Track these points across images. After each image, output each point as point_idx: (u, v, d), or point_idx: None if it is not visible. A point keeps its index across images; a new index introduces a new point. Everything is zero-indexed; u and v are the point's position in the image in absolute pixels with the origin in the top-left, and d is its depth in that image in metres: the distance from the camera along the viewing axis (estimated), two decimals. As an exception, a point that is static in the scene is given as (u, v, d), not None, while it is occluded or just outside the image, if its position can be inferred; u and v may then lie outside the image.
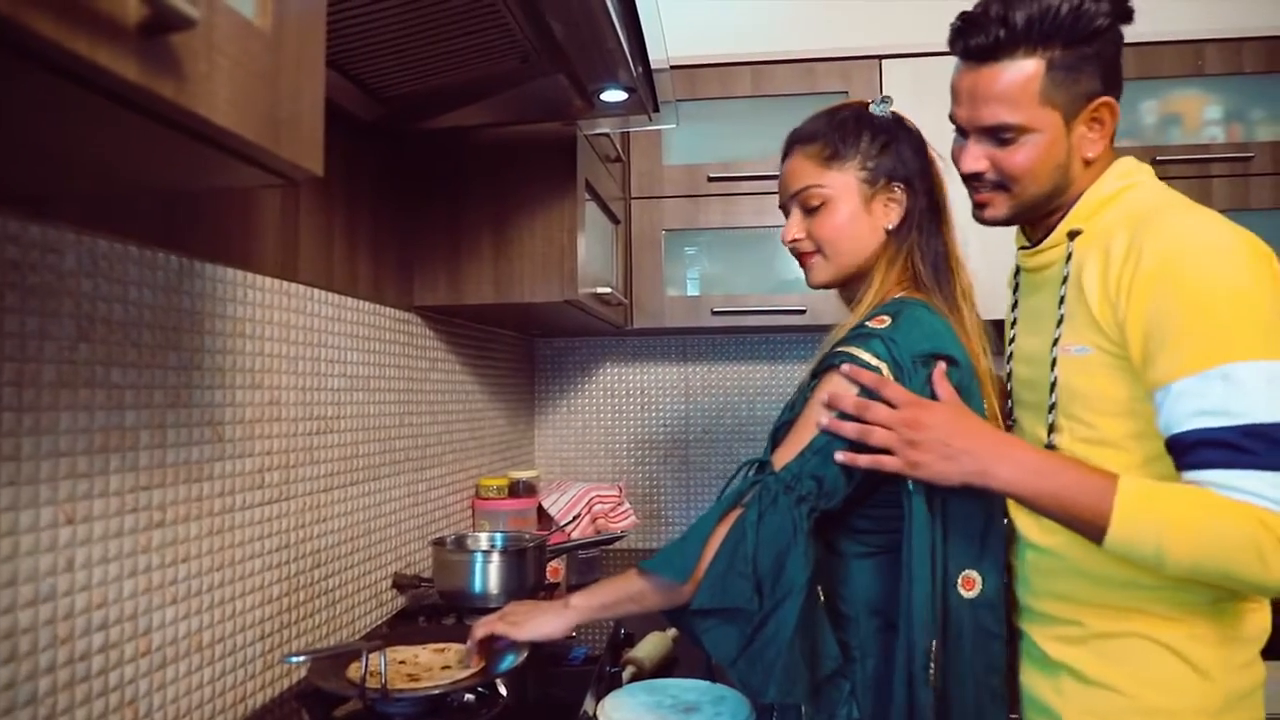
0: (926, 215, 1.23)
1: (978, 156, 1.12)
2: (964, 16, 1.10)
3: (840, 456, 1.07)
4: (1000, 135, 1.10)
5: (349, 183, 1.55)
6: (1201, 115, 2.25)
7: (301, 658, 1.16)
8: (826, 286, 1.29)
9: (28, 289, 0.85)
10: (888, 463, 1.04)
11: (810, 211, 1.24)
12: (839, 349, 1.13)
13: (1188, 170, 2.16)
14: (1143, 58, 2.20)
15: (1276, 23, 2.19)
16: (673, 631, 1.68)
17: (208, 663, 1.11)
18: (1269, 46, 2.18)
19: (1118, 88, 1.11)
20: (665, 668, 1.57)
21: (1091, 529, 0.96)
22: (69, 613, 0.89)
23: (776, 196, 1.32)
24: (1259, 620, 1.07)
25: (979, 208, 1.18)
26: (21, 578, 0.83)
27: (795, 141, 1.27)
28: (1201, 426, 0.92)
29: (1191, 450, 0.93)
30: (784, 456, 1.11)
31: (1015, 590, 1.18)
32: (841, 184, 1.22)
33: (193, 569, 1.09)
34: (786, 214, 1.29)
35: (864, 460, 1.05)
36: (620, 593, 1.16)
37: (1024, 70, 1.07)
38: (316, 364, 1.41)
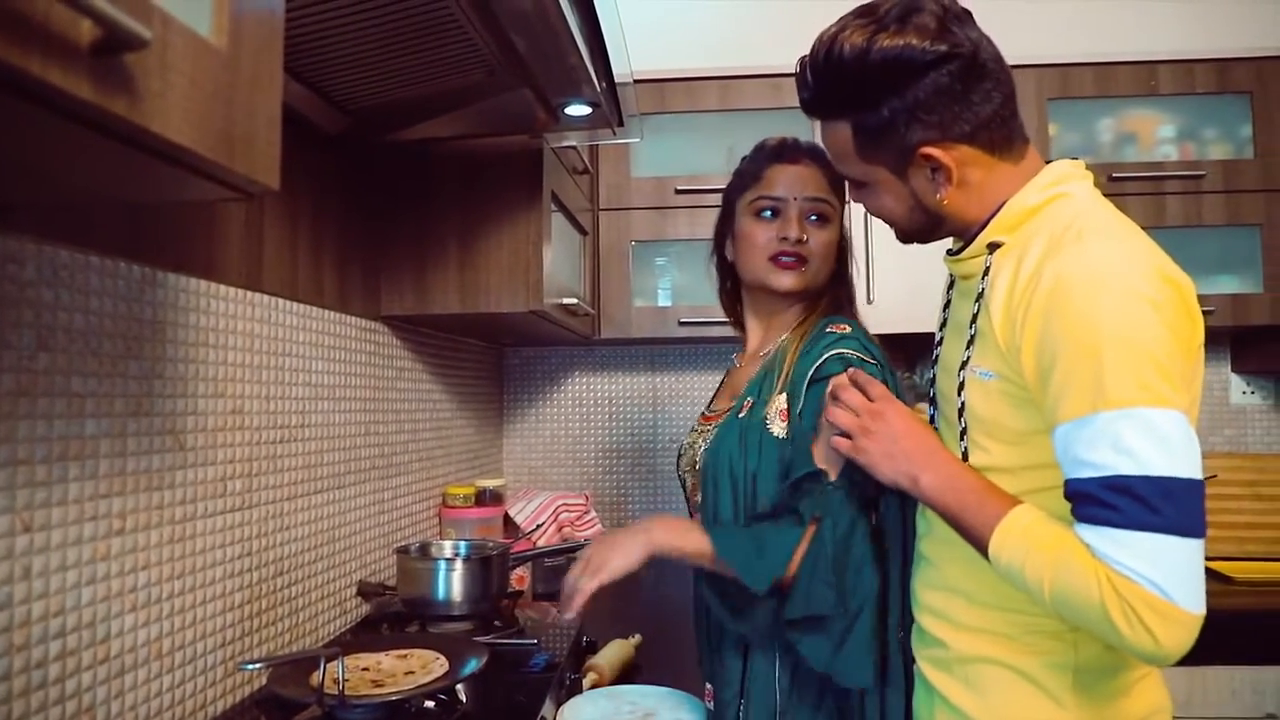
0: (848, 247, 1.40)
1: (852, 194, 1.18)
2: (797, 71, 1.10)
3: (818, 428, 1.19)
4: (849, 180, 1.14)
5: (315, 193, 1.56)
6: (1155, 134, 2.31)
7: (257, 665, 1.16)
8: (789, 296, 1.34)
9: (-14, 298, 0.85)
10: (840, 443, 1.10)
11: (820, 221, 1.33)
12: (835, 352, 1.22)
13: (1143, 187, 2.22)
14: (1099, 76, 2.27)
15: (1224, 45, 2.26)
16: (636, 638, 1.70)
17: (167, 670, 1.12)
18: (1219, 68, 2.25)
19: (953, 125, 1.00)
20: (627, 675, 1.59)
21: (979, 546, 0.97)
22: (25, 620, 0.89)
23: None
24: None
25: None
26: (-23, 585, 0.84)
27: (818, 154, 1.33)
28: (1076, 476, 0.89)
29: (1073, 502, 0.90)
30: (833, 465, 1.18)
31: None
32: (840, 207, 1.35)
33: (152, 577, 1.09)
34: (776, 213, 1.34)
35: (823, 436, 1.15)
36: (697, 548, 1.20)
37: (838, 131, 1.07)
38: (281, 373, 1.42)
